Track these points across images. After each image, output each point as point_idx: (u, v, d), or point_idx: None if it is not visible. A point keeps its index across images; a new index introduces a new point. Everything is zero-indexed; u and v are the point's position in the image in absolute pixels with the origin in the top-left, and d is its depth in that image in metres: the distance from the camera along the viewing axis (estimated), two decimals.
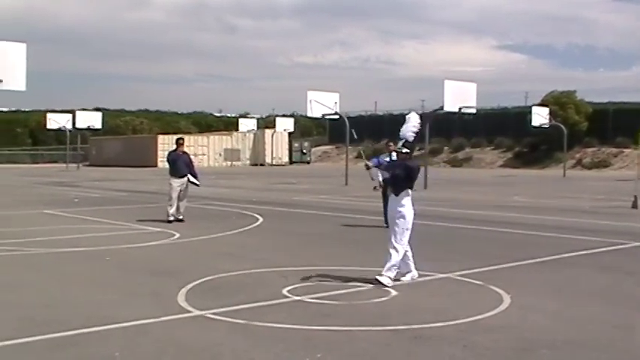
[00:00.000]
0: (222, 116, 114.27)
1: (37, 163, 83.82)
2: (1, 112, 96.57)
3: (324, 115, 42.76)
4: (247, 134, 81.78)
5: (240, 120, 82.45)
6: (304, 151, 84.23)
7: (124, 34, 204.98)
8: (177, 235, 17.34)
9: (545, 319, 9.15)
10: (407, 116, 12.06)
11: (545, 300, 10.28)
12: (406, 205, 11.32)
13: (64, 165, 72.80)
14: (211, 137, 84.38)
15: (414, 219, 11.47)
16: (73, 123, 72.34)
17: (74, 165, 72.61)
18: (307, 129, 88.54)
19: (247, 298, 10.17)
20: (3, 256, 14.61)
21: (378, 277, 10.87)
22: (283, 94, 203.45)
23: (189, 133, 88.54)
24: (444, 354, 7.59)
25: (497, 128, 74.72)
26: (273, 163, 79.15)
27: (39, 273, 12.85)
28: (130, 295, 10.59)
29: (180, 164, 20.69)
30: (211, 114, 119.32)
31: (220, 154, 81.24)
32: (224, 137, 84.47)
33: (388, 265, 10.98)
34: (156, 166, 66.71)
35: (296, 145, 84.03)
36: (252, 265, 12.98)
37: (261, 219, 21.30)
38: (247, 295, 10.40)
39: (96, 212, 23.85)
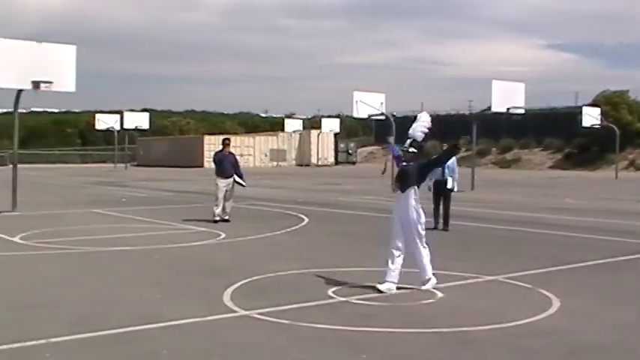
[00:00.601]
0: (268, 117, 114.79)
1: (86, 163, 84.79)
2: (52, 112, 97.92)
3: (370, 116, 42.56)
4: (293, 135, 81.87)
5: (286, 120, 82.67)
6: (350, 151, 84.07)
7: (172, 35, 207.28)
8: (224, 235, 17.42)
9: (594, 323, 9.05)
10: (418, 115, 11.76)
11: (595, 304, 10.15)
12: (415, 204, 10.76)
13: (112, 165, 73.52)
14: (257, 138, 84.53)
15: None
16: (121, 123, 73.10)
17: (122, 165, 73.33)
18: (353, 129, 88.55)
19: (292, 298, 10.17)
20: (54, 255, 14.85)
21: (424, 287, 10.75)
22: (329, 95, 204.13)
23: (235, 133, 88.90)
24: (489, 358, 7.53)
25: (547, 129, 73.74)
26: (319, 163, 79.18)
27: (89, 271, 13.00)
28: (177, 295, 10.66)
29: (226, 164, 20.76)
30: (257, 114, 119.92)
31: (266, 155, 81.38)
32: (270, 138, 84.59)
33: (428, 267, 10.86)
34: (202, 166, 67.06)
35: (342, 145, 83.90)
36: (298, 266, 12.99)
37: (306, 219, 21.32)
38: (292, 295, 10.41)
39: (143, 212, 24.05)
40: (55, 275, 12.65)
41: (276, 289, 10.97)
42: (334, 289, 10.68)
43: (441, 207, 17.89)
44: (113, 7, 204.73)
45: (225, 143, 21.64)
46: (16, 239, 16.89)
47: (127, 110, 78.30)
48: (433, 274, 10.85)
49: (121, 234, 18.03)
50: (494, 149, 77.27)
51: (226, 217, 20.37)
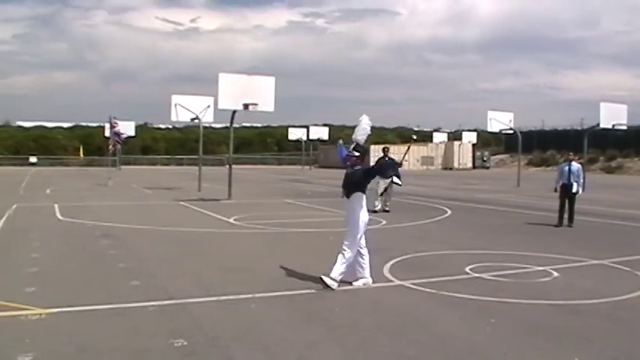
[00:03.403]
0: (419, 130, 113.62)
1: (281, 164, 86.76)
2: (257, 127, 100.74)
3: (500, 130, 41.91)
4: (439, 145, 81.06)
5: (434, 134, 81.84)
6: (484, 158, 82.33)
7: (346, 68, 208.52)
8: (384, 222, 17.49)
9: None
10: (359, 119, 9.69)
11: None
12: (359, 209, 9.13)
13: (300, 167, 74.96)
14: (411, 147, 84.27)
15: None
16: (307, 135, 74.77)
17: (307, 166, 74.72)
18: (487, 141, 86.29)
19: (437, 273, 10.15)
20: (256, 232, 15.37)
21: (355, 283, 9.14)
22: (468, 113, 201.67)
23: (394, 143, 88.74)
24: (594, 325, 7.29)
25: None
26: (460, 167, 77.96)
27: (281, 245, 13.39)
28: (347, 266, 10.81)
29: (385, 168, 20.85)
30: (411, 128, 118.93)
31: (418, 160, 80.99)
32: (421, 147, 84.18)
33: (367, 267, 9.28)
34: None
35: (478, 153, 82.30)
36: (442, 247, 12.92)
37: (449, 211, 21.10)
38: (437, 270, 10.38)
39: (322, 202, 24.46)
40: (257, 247, 13.13)
41: (424, 265, 10.96)
42: (470, 266, 10.57)
43: (567, 207, 17.17)
44: (301, 48, 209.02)
45: (385, 150, 21.73)
46: (231, 220, 17.60)
47: (311, 125, 79.81)
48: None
49: (306, 219, 18.42)
50: (601, 158, 73.82)
51: (387, 209, 20.42)
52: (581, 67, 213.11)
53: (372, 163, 11.72)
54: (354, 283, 9.15)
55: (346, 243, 9.08)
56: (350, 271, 9.11)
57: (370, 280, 9.26)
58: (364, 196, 9.28)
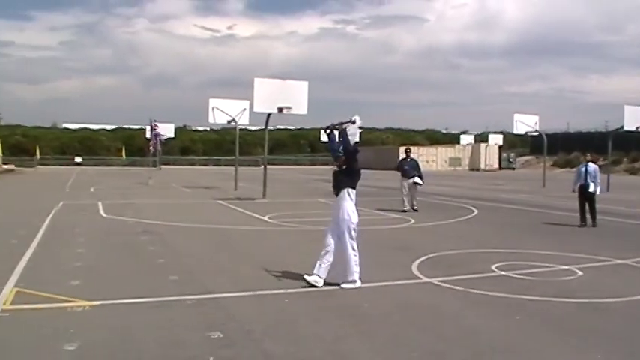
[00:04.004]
0: (447, 133, 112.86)
1: (314, 165, 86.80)
2: (290, 129, 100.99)
3: (526, 133, 41.57)
4: (466, 146, 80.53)
5: (461, 136, 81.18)
6: (510, 160, 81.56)
7: (376, 72, 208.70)
8: (413, 221, 17.42)
9: None
10: (352, 119, 9.25)
11: None
12: (348, 208, 8.85)
13: (332, 167, 74.86)
14: (439, 148, 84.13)
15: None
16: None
17: None
18: (513, 143, 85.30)
19: (464, 270, 10.07)
20: (289, 230, 15.40)
21: (343, 285, 8.69)
22: (494, 116, 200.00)
23: (422, 145, 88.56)
24: (618, 324, 7.17)
25: None
26: (486, 169, 77.31)
27: (313, 243, 13.35)
28: (377, 263, 10.78)
29: (408, 168, 20.82)
30: (439, 131, 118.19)
31: (446, 161, 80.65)
32: (449, 149, 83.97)
33: (352, 268, 8.79)
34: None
35: (504, 155, 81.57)
36: (468, 246, 12.83)
37: (476, 211, 20.93)
38: (464, 268, 10.30)
39: None
40: (290, 244, 13.15)
41: (451, 263, 10.88)
42: (497, 265, 10.47)
43: (587, 207, 16.93)
44: (333, 54, 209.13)
45: (407, 152, 21.70)
46: (265, 218, 17.67)
47: None
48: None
49: None
50: (625, 159, 72.63)
51: (415, 208, 20.31)
52: (605, 71, 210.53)
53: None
54: (305, 276, 8.75)
55: (349, 243, 8.78)
56: (338, 272, 8.80)
57: (321, 282, 8.69)
58: (352, 195, 8.97)
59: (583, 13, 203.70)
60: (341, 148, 9.01)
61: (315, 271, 8.74)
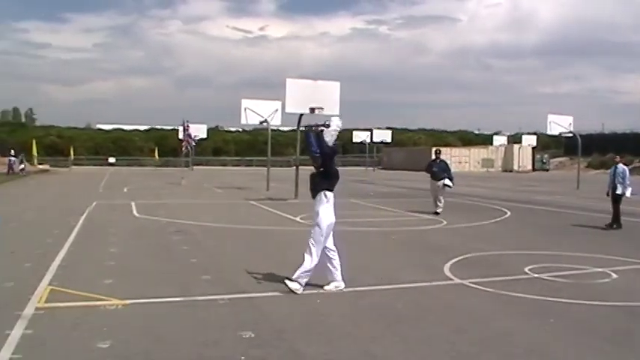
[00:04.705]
0: (480, 133, 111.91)
1: (346, 166, 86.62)
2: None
3: (560, 134, 41.15)
4: (499, 147, 79.74)
5: (494, 137, 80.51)
6: (544, 161, 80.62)
7: (408, 73, 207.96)
8: (445, 222, 17.31)
9: None
10: (330, 120, 9.02)
11: None
12: (321, 210, 8.61)
13: (364, 168, 74.84)
14: (472, 149, 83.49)
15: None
16: (371, 138, 74.74)
17: (371, 168, 74.54)
18: (546, 144, 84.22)
19: (496, 272, 9.98)
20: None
21: (286, 282, 8.33)
22: (527, 117, 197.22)
23: (455, 146, 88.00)
24: None
25: None
26: (519, 170, 76.53)
27: (346, 244, 13.33)
28: (409, 264, 10.76)
29: (437, 170, 20.49)
30: (472, 132, 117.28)
31: (478, 162, 80.00)
32: (481, 149, 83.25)
33: (299, 271, 8.33)
34: None
35: (537, 156, 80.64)
36: (501, 247, 12.71)
37: (509, 212, 20.73)
38: (497, 270, 10.21)
39: (386, 202, 24.35)
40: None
41: (484, 265, 10.79)
42: (530, 267, 10.35)
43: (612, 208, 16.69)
44: (365, 55, 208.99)
45: (437, 153, 21.45)
46: (297, 219, 17.72)
47: (375, 128, 79.77)
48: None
49: (369, 218, 18.38)
50: None
51: (437, 211, 19.74)
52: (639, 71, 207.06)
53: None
54: (325, 288, 8.50)
55: (311, 245, 8.43)
56: (317, 274, 8.47)
57: (342, 284, 8.59)
58: (328, 197, 8.77)
59: (617, 12, 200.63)
60: (318, 149, 8.72)
61: (329, 278, 8.59)
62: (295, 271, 8.40)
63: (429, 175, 20.81)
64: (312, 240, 8.47)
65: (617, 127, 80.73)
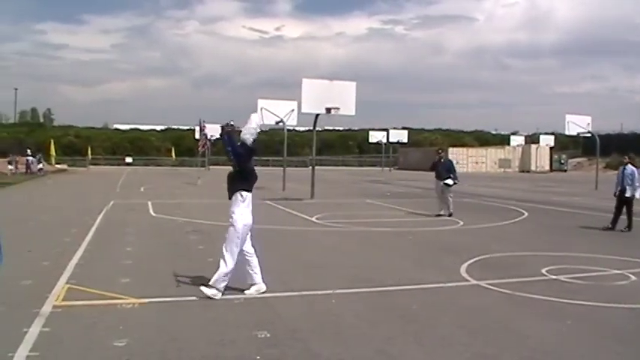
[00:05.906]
0: (497, 134, 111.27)
1: (362, 166, 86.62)
2: (338, 130, 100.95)
3: (578, 134, 40.96)
4: (516, 148, 79.29)
5: (512, 137, 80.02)
6: (562, 161, 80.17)
7: (424, 73, 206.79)
8: (462, 223, 17.25)
9: None
10: (250, 117, 8.66)
11: None
12: (236, 211, 8.40)
13: (380, 168, 74.73)
14: (489, 150, 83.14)
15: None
16: (387, 138, 74.65)
17: (387, 168, 74.44)
18: (564, 144, 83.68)
19: (513, 273, 9.94)
20: (337, 230, 15.38)
21: (202, 288, 8.02)
22: (545, 117, 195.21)
23: (472, 146, 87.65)
24: None
25: None
26: (537, 170, 76.09)
27: (360, 244, 13.36)
28: (426, 265, 10.73)
29: (440, 170, 20.25)
30: (489, 132, 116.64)
31: (495, 163, 79.63)
32: (498, 150, 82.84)
33: (215, 276, 8.02)
34: None
35: (555, 156, 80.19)
36: (518, 249, 12.65)
37: (526, 213, 20.62)
38: (513, 271, 10.17)
39: (401, 203, 24.29)
40: (337, 245, 13.15)
41: (500, 266, 10.74)
42: (547, 268, 10.29)
43: (624, 211, 16.51)
44: (381, 55, 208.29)
45: (439, 152, 21.20)
46: (313, 219, 17.71)
47: (391, 128, 79.72)
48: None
49: (385, 218, 18.34)
50: None
51: (441, 213, 19.46)
52: None
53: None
54: (246, 292, 8.21)
55: (224, 249, 8.13)
56: (236, 278, 8.18)
57: (263, 287, 8.31)
58: (245, 197, 8.53)
59: (635, 11, 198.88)
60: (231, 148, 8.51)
61: (250, 282, 8.33)
62: (212, 276, 8.11)
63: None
64: (226, 243, 8.18)
65: (636, 127, 79.99)
